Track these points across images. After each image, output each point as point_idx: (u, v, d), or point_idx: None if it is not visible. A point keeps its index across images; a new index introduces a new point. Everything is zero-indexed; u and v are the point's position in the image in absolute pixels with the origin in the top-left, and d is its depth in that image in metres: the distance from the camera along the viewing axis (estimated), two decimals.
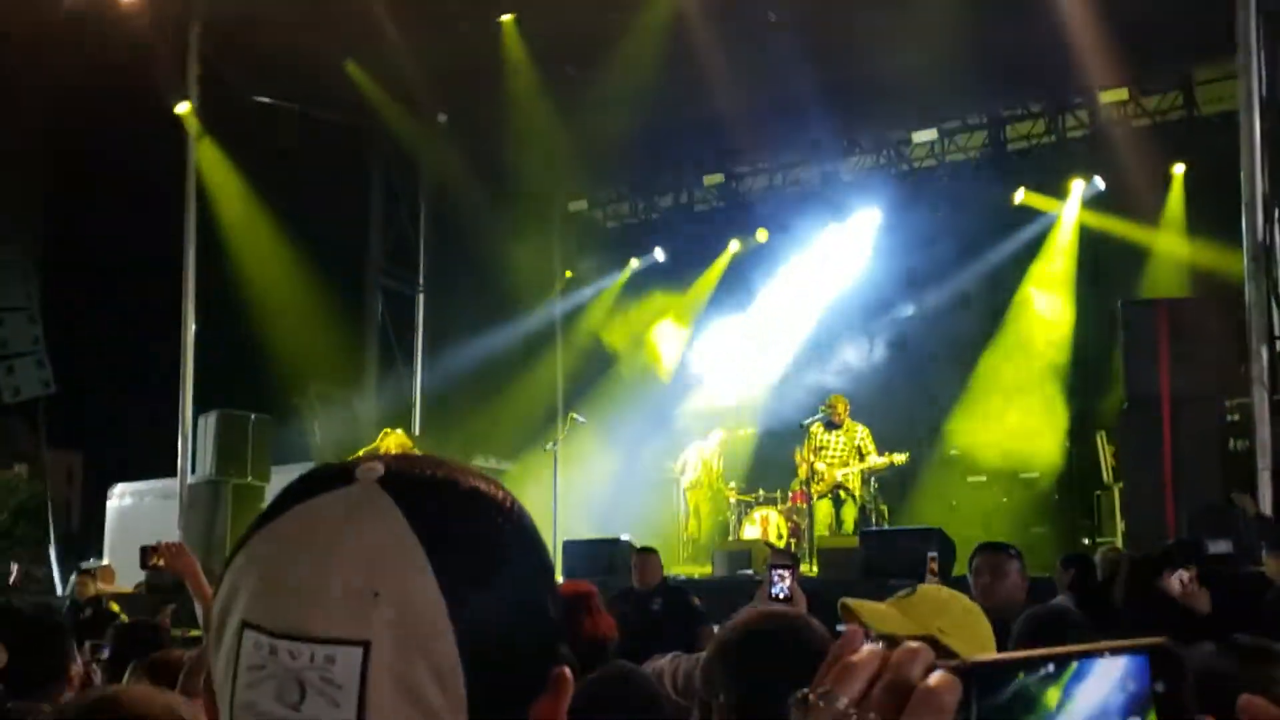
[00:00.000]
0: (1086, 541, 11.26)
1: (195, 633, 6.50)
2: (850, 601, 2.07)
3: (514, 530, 0.78)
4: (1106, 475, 10.93)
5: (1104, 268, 12.98)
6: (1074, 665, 0.63)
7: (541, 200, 15.20)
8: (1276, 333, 8.99)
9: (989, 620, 2.27)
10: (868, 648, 0.66)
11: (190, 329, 12.96)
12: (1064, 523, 12.17)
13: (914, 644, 0.65)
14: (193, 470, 13.09)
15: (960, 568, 7.12)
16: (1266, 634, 2.44)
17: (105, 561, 12.21)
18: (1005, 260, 13.69)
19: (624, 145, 13.65)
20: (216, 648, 0.75)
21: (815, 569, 10.34)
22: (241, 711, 0.71)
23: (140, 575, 10.67)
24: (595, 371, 15.67)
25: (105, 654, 4.62)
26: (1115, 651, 0.64)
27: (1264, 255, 8.97)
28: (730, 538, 12.41)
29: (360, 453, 13.56)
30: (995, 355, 13.20)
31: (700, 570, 11.67)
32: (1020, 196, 13.72)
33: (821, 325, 14.65)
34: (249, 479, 13.08)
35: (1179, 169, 12.81)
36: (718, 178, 15.61)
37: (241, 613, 0.73)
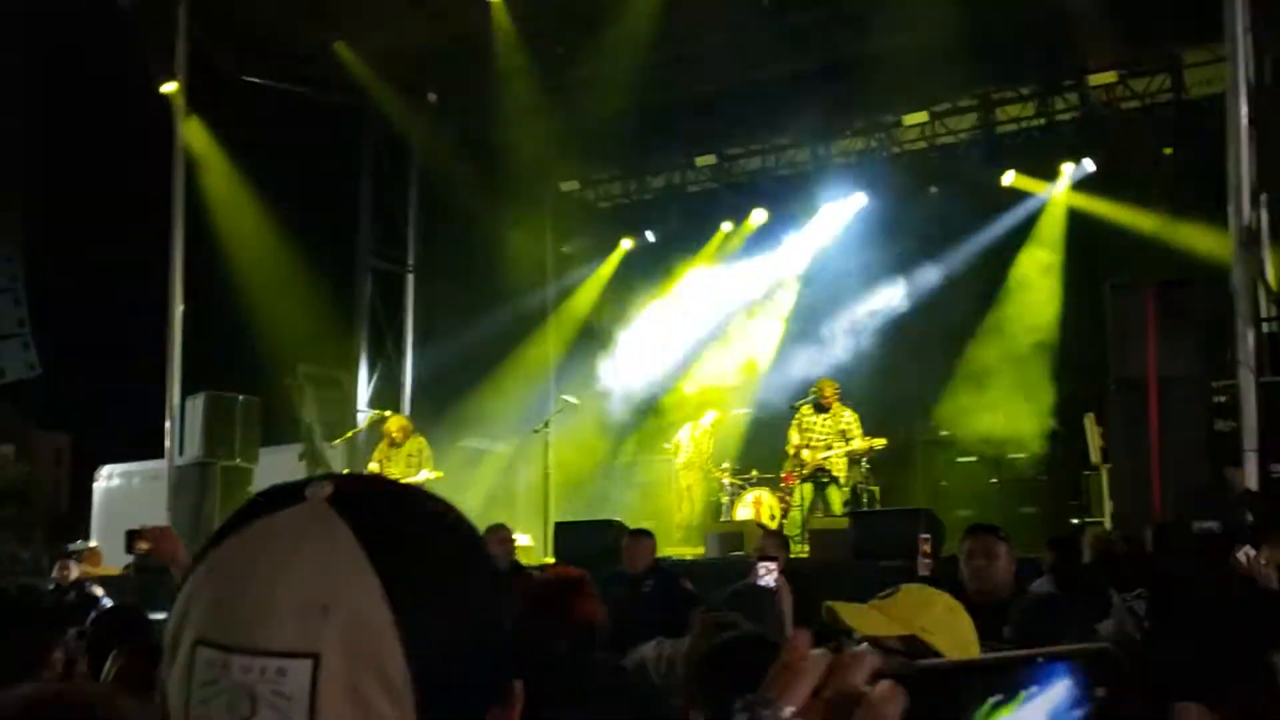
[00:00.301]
0: (1075, 521, 11.31)
1: None
2: (834, 604, 2.09)
3: (463, 547, 0.80)
4: (1094, 456, 10.95)
5: (1093, 249, 12.99)
6: (1022, 695, 0.64)
7: (533, 180, 15.13)
8: (1263, 315, 9.01)
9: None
10: (812, 653, 0.67)
11: (178, 309, 12.86)
12: (1052, 503, 12.22)
13: (857, 650, 0.66)
14: (180, 452, 13.06)
15: (950, 548, 7.16)
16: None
17: (93, 543, 12.21)
18: (995, 242, 13.71)
19: (616, 126, 13.61)
20: (170, 667, 0.76)
21: (807, 550, 10.40)
22: None
23: (128, 557, 10.68)
24: (587, 352, 15.68)
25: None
26: (1057, 657, 0.64)
27: (1250, 239, 8.98)
28: (723, 519, 12.44)
29: (351, 433, 13.59)
30: (985, 336, 13.22)
31: (693, 551, 11.71)
32: (1010, 179, 13.74)
33: (811, 307, 14.67)
34: (237, 461, 13.07)
35: (1168, 152, 12.83)
36: (710, 159, 15.59)
37: (194, 631, 0.74)
